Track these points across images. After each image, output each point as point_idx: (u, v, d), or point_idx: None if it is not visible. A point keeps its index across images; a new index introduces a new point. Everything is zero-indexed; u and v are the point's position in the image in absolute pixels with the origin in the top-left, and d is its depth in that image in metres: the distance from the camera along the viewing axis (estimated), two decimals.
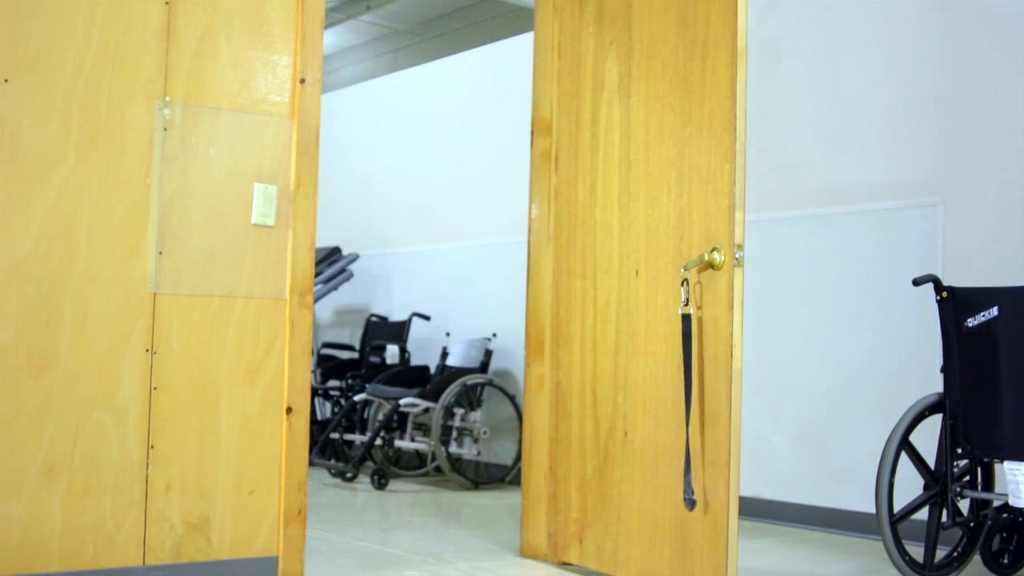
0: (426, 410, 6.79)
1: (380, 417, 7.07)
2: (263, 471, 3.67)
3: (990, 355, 3.94)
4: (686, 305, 3.71)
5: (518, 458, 6.73)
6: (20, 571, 3.25)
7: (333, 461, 7.11)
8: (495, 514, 5.72)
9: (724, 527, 3.55)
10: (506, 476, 6.91)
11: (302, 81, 3.76)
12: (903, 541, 4.00)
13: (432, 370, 7.32)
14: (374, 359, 7.56)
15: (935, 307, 4.12)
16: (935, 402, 4.10)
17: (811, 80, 5.69)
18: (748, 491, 5.62)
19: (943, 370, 4.09)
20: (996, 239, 4.88)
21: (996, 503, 4.09)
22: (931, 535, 4.05)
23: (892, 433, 4.06)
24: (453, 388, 6.71)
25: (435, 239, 7.96)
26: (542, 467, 4.42)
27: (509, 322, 6.95)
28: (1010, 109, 4.88)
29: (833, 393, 5.43)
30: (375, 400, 7.09)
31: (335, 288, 7.90)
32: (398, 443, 6.92)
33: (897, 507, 4.02)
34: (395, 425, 6.98)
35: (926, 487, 4.09)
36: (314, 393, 7.68)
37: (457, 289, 7.66)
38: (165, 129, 3.53)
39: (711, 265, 3.64)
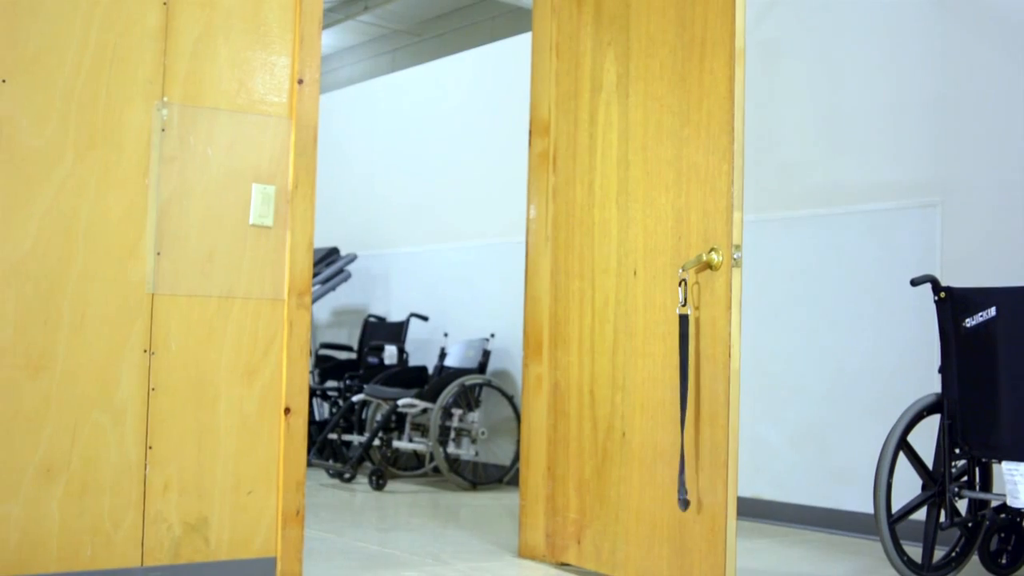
0: (424, 411, 6.79)
1: (378, 418, 7.06)
2: (261, 472, 3.67)
3: (988, 355, 3.94)
4: (683, 305, 3.71)
5: (516, 459, 6.73)
6: (18, 572, 3.25)
7: (331, 462, 7.11)
8: (493, 515, 5.72)
9: (722, 527, 3.55)
10: (504, 477, 6.91)
11: (300, 81, 3.76)
12: (901, 541, 4.00)
13: (430, 371, 7.32)
14: (372, 359, 7.56)
15: (933, 307, 4.12)
16: (933, 402, 4.10)
17: (810, 80, 5.69)
18: (746, 491, 5.63)
19: (941, 370, 4.10)
20: (994, 240, 4.88)
21: (994, 503, 4.10)
22: (929, 535, 4.05)
23: (890, 433, 4.06)
24: (451, 389, 6.71)
25: (433, 240, 7.96)
26: (540, 468, 4.41)
27: (507, 322, 6.95)
28: (1009, 110, 4.88)
29: (831, 393, 5.43)
30: (373, 401, 7.09)
31: (333, 288, 7.90)
32: (396, 444, 6.92)
33: (895, 507, 4.02)
34: (393, 426, 6.98)
35: (924, 487, 4.09)
36: (312, 394, 7.68)
37: (455, 290, 7.66)
38: (163, 129, 3.53)
39: (709, 265, 3.64)
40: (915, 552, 4.06)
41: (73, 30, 3.38)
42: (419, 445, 6.81)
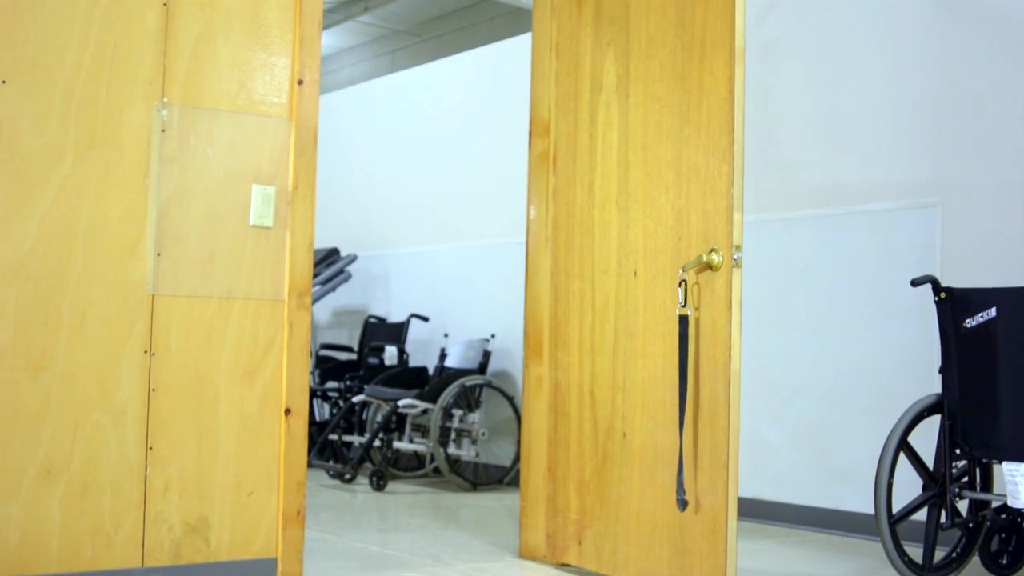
0: (424, 411, 6.79)
1: (379, 418, 7.06)
2: (262, 472, 3.67)
3: (988, 356, 3.94)
4: (683, 306, 3.71)
5: (517, 459, 6.73)
6: (19, 572, 3.25)
7: (332, 462, 7.10)
8: (494, 515, 5.72)
9: (723, 528, 3.55)
10: (505, 477, 6.90)
11: (300, 82, 3.76)
12: (902, 542, 4.00)
13: (431, 371, 7.32)
14: (372, 360, 7.55)
15: (933, 308, 4.12)
16: (934, 403, 4.10)
17: (810, 81, 5.69)
18: (747, 492, 5.62)
19: (941, 371, 4.10)
20: (995, 240, 4.88)
21: (995, 504, 4.09)
22: (930, 536, 4.05)
23: (891, 434, 4.06)
24: (452, 389, 6.71)
25: (433, 240, 7.96)
26: (541, 468, 4.41)
27: (507, 323, 6.95)
28: (1009, 110, 4.88)
29: (832, 394, 5.43)
30: (373, 401, 7.09)
31: (333, 289, 7.90)
32: (397, 444, 6.92)
33: (896, 508, 4.02)
34: (394, 426, 6.98)
35: (925, 488, 4.09)
36: (312, 394, 7.68)
37: (455, 290, 7.66)
38: (163, 130, 3.53)
39: (709, 266, 3.64)
40: (916, 553, 4.06)
41: (73, 31, 3.38)
42: (419, 446, 6.81)
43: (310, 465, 6.74)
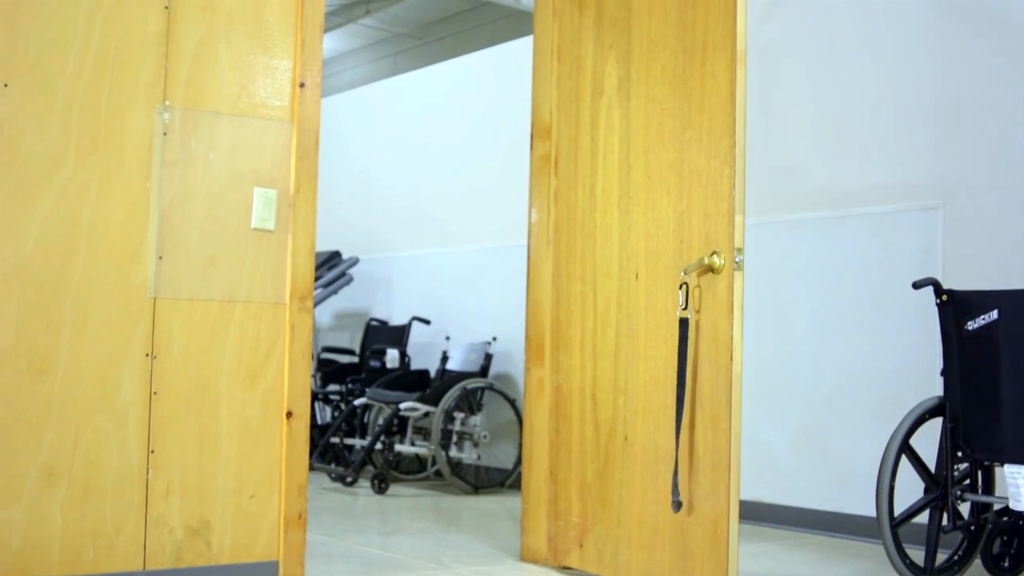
0: (426, 414, 6.79)
1: (380, 421, 7.06)
2: (263, 475, 3.67)
3: (990, 358, 3.94)
4: (684, 309, 3.71)
5: (518, 462, 6.73)
6: None
7: (333, 465, 7.11)
8: (495, 518, 5.72)
9: (724, 531, 3.55)
10: (506, 480, 6.90)
11: (302, 85, 3.77)
12: (904, 545, 4.00)
13: (432, 374, 7.32)
14: (374, 363, 7.56)
15: (935, 310, 4.12)
16: (935, 405, 4.10)
17: (811, 83, 5.69)
18: (748, 495, 5.62)
19: (943, 373, 4.09)
20: (996, 242, 4.88)
21: (996, 506, 4.09)
22: (932, 539, 4.05)
23: (892, 437, 4.06)
24: (453, 392, 6.70)
25: (435, 243, 7.96)
26: (542, 471, 4.41)
27: (509, 326, 6.95)
28: (1010, 113, 4.88)
29: (833, 396, 5.43)
30: (375, 404, 7.09)
31: (335, 292, 7.90)
32: (398, 447, 6.92)
33: (898, 511, 4.02)
34: (395, 429, 6.98)
35: (926, 491, 4.09)
36: (314, 397, 7.68)
37: (457, 293, 7.66)
38: (165, 133, 3.53)
39: (711, 269, 3.64)
40: (917, 555, 4.06)
41: (74, 34, 3.38)
42: (421, 449, 6.81)
43: (312, 468, 6.74)
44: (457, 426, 6.74)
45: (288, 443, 3.71)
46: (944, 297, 4.07)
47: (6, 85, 3.28)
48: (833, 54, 5.60)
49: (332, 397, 7.72)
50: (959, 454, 4.05)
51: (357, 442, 7.17)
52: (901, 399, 4.74)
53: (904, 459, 4.06)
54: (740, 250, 3.58)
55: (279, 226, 3.73)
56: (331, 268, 7.98)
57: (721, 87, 3.67)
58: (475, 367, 7.01)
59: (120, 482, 3.42)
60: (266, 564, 3.66)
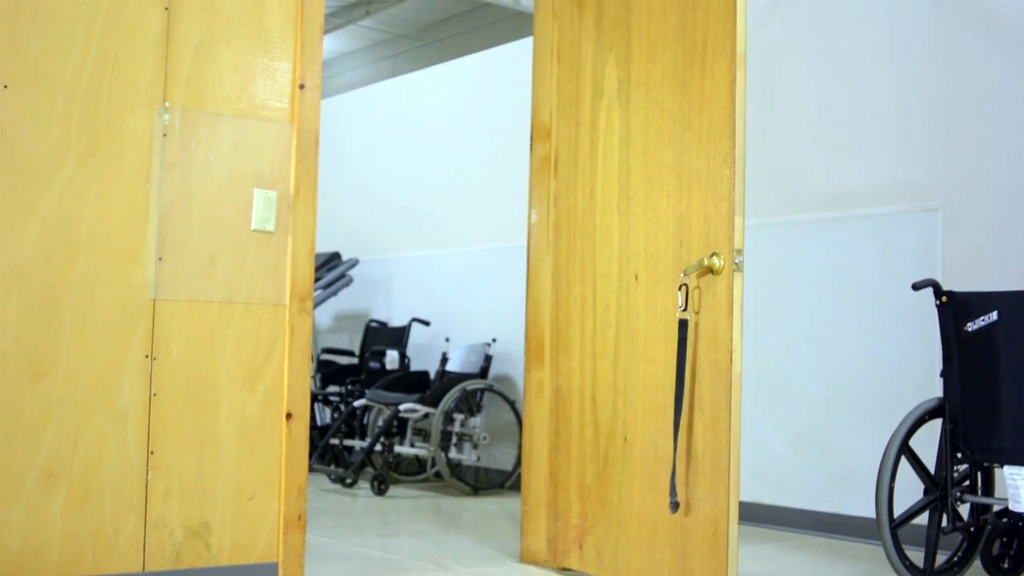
0: (426, 415, 6.79)
1: (380, 423, 7.06)
2: (263, 477, 3.67)
3: (990, 359, 3.94)
4: (683, 310, 3.71)
5: (518, 463, 6.73)
6: None
7: (333, 467, 7.11)
8: (495, 520, 5.72)
9: (724, 532, 3.55)
10: (506, 481, 6.90)
11: (301, 86, 3.77)
12: (903, 546, 4.00)
13: (432, 375, 7.32)
14: (374, 364, 7.56)
15: (935, 311, 4.12)
16: (935, 407, 4.10)
17: (811, 85, 5.69)
18: (748, 496, 5.62)
19: (943, 374, 4.09)
20: (996, 244, 4.88)
21: (996, 508, 4.09)
22: (931, 540, 4.05)
23: (892, 438, 4.06)
24: (453, 394, 6.70)
25: (435, 244, 7.96)
26: (542, 472, 4.41)
27: (509, 327, 6.95)
28: (1010, 114, 4.88)
29: (833, 398, 5.43)
30: (375, 406, 7.09)
31: (335, 294, 7.90)
32: (398, 449, 6.92)
33: (897, 512, 4.02)
34: (395, 431, 6.98)
35: (926, 492, 4.09)
36: (314, 399, 7.68)
37: (457, 294, 7.66)
38: (165, 135, 3.53)
39: (711, 270, 3.64)
40: (917, 557, 4.06)
41: (74, 35, 3.38)
42: (421, 450, 6.81)
43: (311, 469, 6.74)
44: (457, 427, 6.74)
45: (288, 444, 3.71)
46: (944, 298, 4.07)
47: (6, 86, 3.28)
48: (833, 56, 5.60)
49: (332, 398, 7.72)
50: (959, 455, 4.05)
51: (357, 443, 7.17)
52: (901, 400, 4.74)
53: (904, 460, 4.06)
54: (740, 251, 3.58)
55: (279, 227, 3.73)
56: (331, 269, 7.98)
57: (721, 89, 3.67)
58: (475, 368, 7.01)
59: (120, 483, 3.42)
60: (265, 566, 3.66)
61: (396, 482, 7.07)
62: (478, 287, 7.49)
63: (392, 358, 7.52)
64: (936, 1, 5.19)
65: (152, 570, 3.46)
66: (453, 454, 6.74)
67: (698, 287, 3.69)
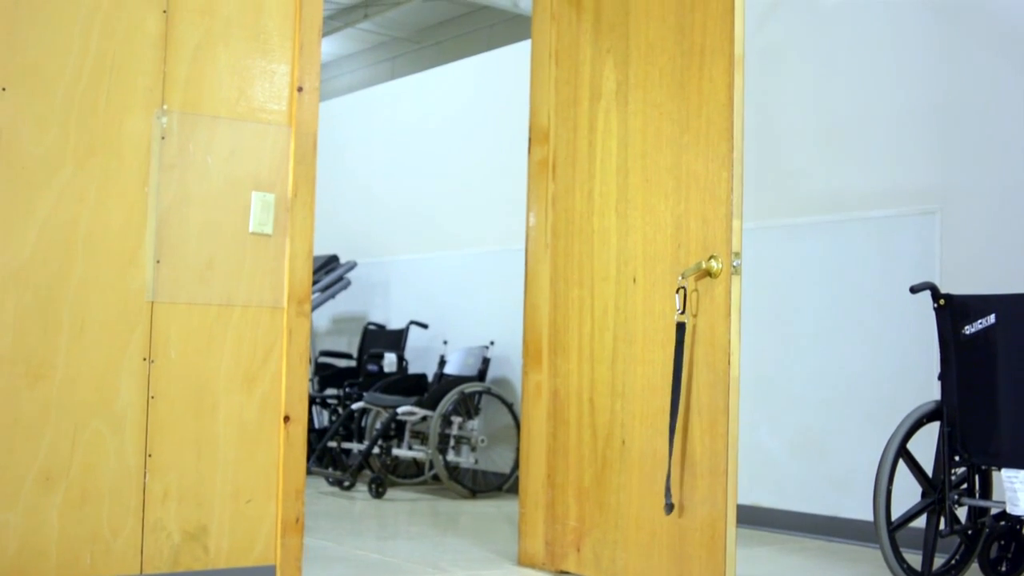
0: (424, 418, 6.79)
1: (378, 425, 7.06)
2: (260, 480, 3.67)
3: (987, 363, 3.94)
4: (681, 313, 3.71)
5: (516, 466, 6.73)
6: None
7: (331, 469, 7.10)
8: (493, 522, 5.71)
9: (722, 535, 3.55)
10: (504, 484, 6.90)
11: (300, 89, 3.77)
12: (901, 549, 4.00)
13: (430, 378, 7.32)
14: (372, 367, 7.55)
15: (933, 314, 4.12)
16: (933, 410, 4.10)
17: (810, 88, 5.70)
18: (746, 499, 5.62)
19: (940, 377, 4.10)
20: (994, 247, 4.88)
21: (994, 511, 4.09)
22: (929, 543, 4.05)
23: (890, 441, 4.06)
24: (451, 396, 6.70)
25: (433, 247, 7.96)
26: (540, 475, 4.41)
27: (507, 330, 6.95)
28: (1008, 117, 4.89)
29: (831, 401, 5.43)
30: (373, 408, 7.09)
31: (333, 296, 7.90)
32: (396, 451, 6.92)
33: (895, 515, 4.02)
34: (393, 433, 6.98)
35: (924, 495, 4.09)
36: (312, 401, 7.68)
37: (455, 297, 7.66)
38: (163, 137, 3.53)
39: (708, 273, 3.65)
40: (915, 560, 4.06)
41: (73, 38, 3.38)
42: (418, 453, 6.81)
43: (309, 472, 6.74)
44: (455, 430, 6.74)
45: (285, 447, 3.71)
46: (942, 301, 4.07)
47: (4, 89, 3.28)
48: (831, 59, 5.61)
49: (330, 401, 7.71)
50: (956, 458, 4.05)
51: (354, 446, 7.16)
52: (899, 403, 4.74)
53: (901, 463, 4.06)
54: (738, 254, 3.58)
55: (277, 230, 3.73)
56: (329, 272, 7.98)
57: (719, 91, 3.67)
58: (473, 371, 7.01)
59: (117, 486, 3.41)
60: (263, 568, 3.66)
61: (394, 485, 7.06)
62: (476, 290, 7.49)
63: (390, 361, 7.52)
64: (934, 4, 5.20)
65: (150, 572, 3.46)
66: (451, 457, 6.73)
67: (696, 290, 3.70)
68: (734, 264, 3.57)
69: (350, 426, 7.31)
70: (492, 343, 7.12)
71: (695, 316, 3.70)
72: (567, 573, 4.28)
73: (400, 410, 6.67)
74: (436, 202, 7.97)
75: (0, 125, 3.27)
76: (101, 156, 3.42)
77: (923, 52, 5.21)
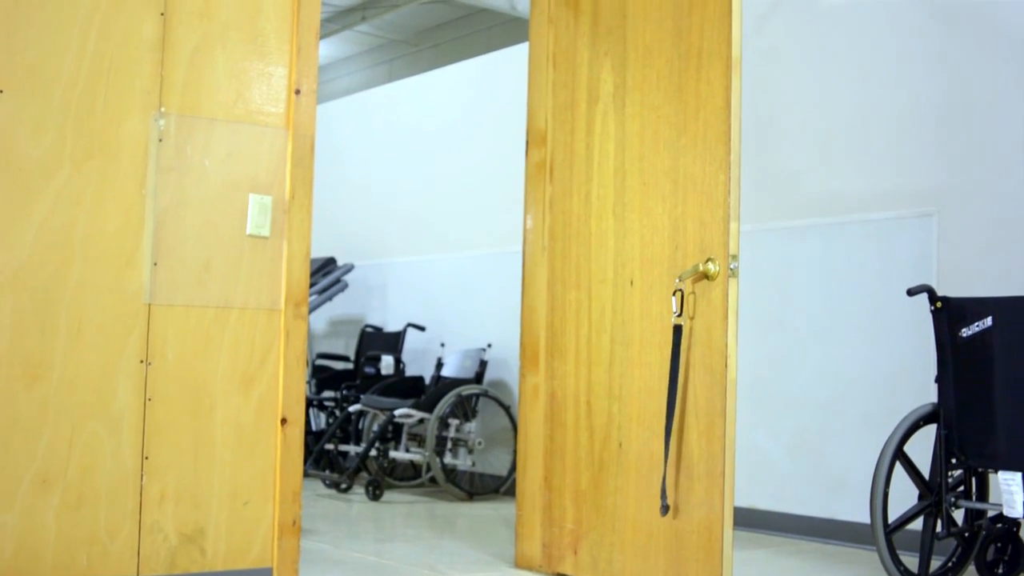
0: (421, 421, 6.78)
1: (375, 428, 7.06)
2: (257, 482, 3.67)
3: (984, 365, 3.95)
4: (678, 316, 3.71)
5: (513, 469, 6.73)
6: None
7: (328, 472, 7.10)
8: (490, 525, 5.71)
9: (719, 537, 3.55)
10: (501, 487, 6.90)
11: (297, 92, 3.77)
12: (898, 551, 4.00)
13: (427, 381, 7.31)
14: (369, 370, 7.55)
15: (930, 317, 4.13)
16: (929, 412, 4.11)
17: (807, 90, 5.70)
18: (743, 501, 5.62)
19: (937, 380, 4.10)
20: (990, 249, 4.89)
21: (990, 513, 4.10)
22: (926, 545, 4.05)
23: (887, 443, 4.06)
24: (448, 399, 6.70)
25: (430, 249, 7.96)
26: (537, 477, 4.41)
27: (504, 333, 6.95)
28: (1005, 120, 4.89)
29: (828, 403, 5.43)
30: (370, 411, 7.08)
31: (330, 299, 7.90)
32: (393, 454, 6.91)
33: (892, 517, 4.02)
34: (390, 436, 6.97)
35: (921, 497, 4.09)
36: (309, 404, 7.67)
37: (452, 300, 7.66)
38: (160, 140, 3.53)
39: (706, 275, 3.65)
40: (912, 562, 4.06)
41: (70, 40, 3.38)
42: (416, 455, 6.80)
43: (306, 475, 6.74)
44: (452, 433, 6.74)
45: (282, 449, 3.71)
46: (938, 304, 4.08)
47: (1, 91, 3.28)
48: (828, 61, 5.61)
49: (327, 403, 7.71)
50: (953, 461, 4.05)
51: (352, 448, 7.16)
52: (896, 406, 4.75)
53: (898, 466, 4.06)
54: (735, 257, 3.58)
55: (274, 232, 3.73)
56: (326, 274, 7.98)
57: (716, 94, 3.68)
58: (470, 374, 7.01)
59: (114, 488, 3.41)
60: (260, 571, 3.66)
61: (391, 487, 7.06)
62: (473, 292, 7.49)
63: (387, 363, 7.51)
64: (931, 7, 5.21)
65: (147, 575, 3.46)
66: (448, 459, 6.73)
67: (693, 292, 3.70)
68: (731, 267, 3.58)
69: (347, 428, 7.30)
70: (489, 345, 7.12)
71: (692, 318, 3.70)
72: (564, 575, 4.28)
73: (397, 412, 6.67)
74: (433, 204, 7.98)
75: None
76: (98, 158, 3.42)
77: (921, 55, 5.22)
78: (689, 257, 3.73)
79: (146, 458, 3.47)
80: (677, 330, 3.71)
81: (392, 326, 8.08)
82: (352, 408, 7.11)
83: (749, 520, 5.65)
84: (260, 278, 3.70)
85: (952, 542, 4.17)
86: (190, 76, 3.59)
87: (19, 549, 3.25)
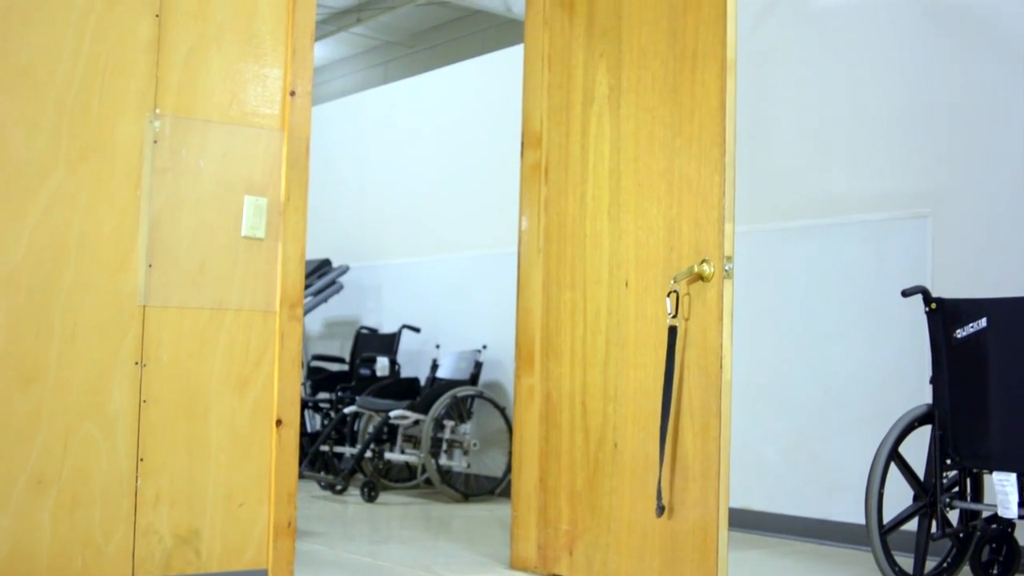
0: (416, 422, 6.78)
1: (370, 429, 7.06)
2: (253, 484, 3.66)
3: (979, 366, 3.95)
4: (673, 317, 3.71)
5: (508, 470, 6.73)
6: None
7: (323, 473, 7.09)
8: (485, 526, 5.71)
9: (714, 538, 3.55)
10: (496, 488, 6.90)
11: (292, 93, 3.77)
12: (893, 552, 4.01)
13: (422, 382, 7.31)
14: (364, 371, 7.55)
15: (924, 318, 4.13)
16: (924, 413, 4.11)
17: (802, 91, 5.71)
18: (738, 502, 5.63)
19: (932, 381, 4.11)
20: (985, 250, 4.89)
21: (985, 514, 4.10)
22: (921, 546, 4.05)
23: (882, 444, 4.07)
24: (443, 400, 6.70)
25: (425, 251, 7.96)
26: (532, 479, 4.41)
27: (499, 334, 6.95)
28: (1000, 122, 4.90)
29: (823, 404, 5.44)
30: (365, 412, 7.08)
31: (325, 300, 7.89)
32: (388, 455, 6.91)
33: (887, 518, 4.03)
34: (385, 437, 6.97)
35: (916, 498, 4.10)
36: (304, 405, 7.67)
37: (447, 301, 7.66)
38: (155, 141, 3.53)
39: (701, 277, 3.65)
40: (906, 563, 4.06)
41: (65, 41, 3.38)
42: (411, 457, 6.80)
43: (301, 476, 6.73)
44: (447, 434, 6.74)
45: (278, 451, 3.70)
46: (933, 305, 4.08)
47: None
48: (823, 63, 5.62)
49: (322, 405, 7.71)
50: (948, 461, 4.06)
51: (347, 450, 7.16)
52: (891, 406, 4.75)
53: (893, 467, 4.07)
54: (730, 258, 3.59)
55: (269, 234, 3.73)
56: (321, 276, 7.98)
57: (711, 95, 3.68)
58: (465, 375, 7.01)
59: (109, 490, 3.41)
60: (255, 572, 3.66)
61: (386, 489, 7.06)
62: (469, 293, 7.49)
63: (382, 365, 7.51)
64: (926, 8, 5.21)
65: None
66: (443, 461, 6.73)
67: (688, 293, 3.70)
68: (726, 268, 3.58)
69: (342, 430, 7.30)
70: (484, 347, 7.12)
71: (687, 320, 3.70)
72: None
73: (392, 414, 6.67)
74: (428, 206, 7.98)
75: None
76: (93, 160, 3.42)
77: (915, 56, 5.23)
78: (684, 258, 3.74)
79: (141, 460, 3.47)
80: (672, 331, 3.71)
81: (387, 328, 8.08)
82: (347, 410, 7.11)
83: (744, 521, 5.65)
84: (255, 280, 3.70)
85: (947, 543, 4.17)
86: (185, 77, 3.59)
87: (14, 551, 3.25)
